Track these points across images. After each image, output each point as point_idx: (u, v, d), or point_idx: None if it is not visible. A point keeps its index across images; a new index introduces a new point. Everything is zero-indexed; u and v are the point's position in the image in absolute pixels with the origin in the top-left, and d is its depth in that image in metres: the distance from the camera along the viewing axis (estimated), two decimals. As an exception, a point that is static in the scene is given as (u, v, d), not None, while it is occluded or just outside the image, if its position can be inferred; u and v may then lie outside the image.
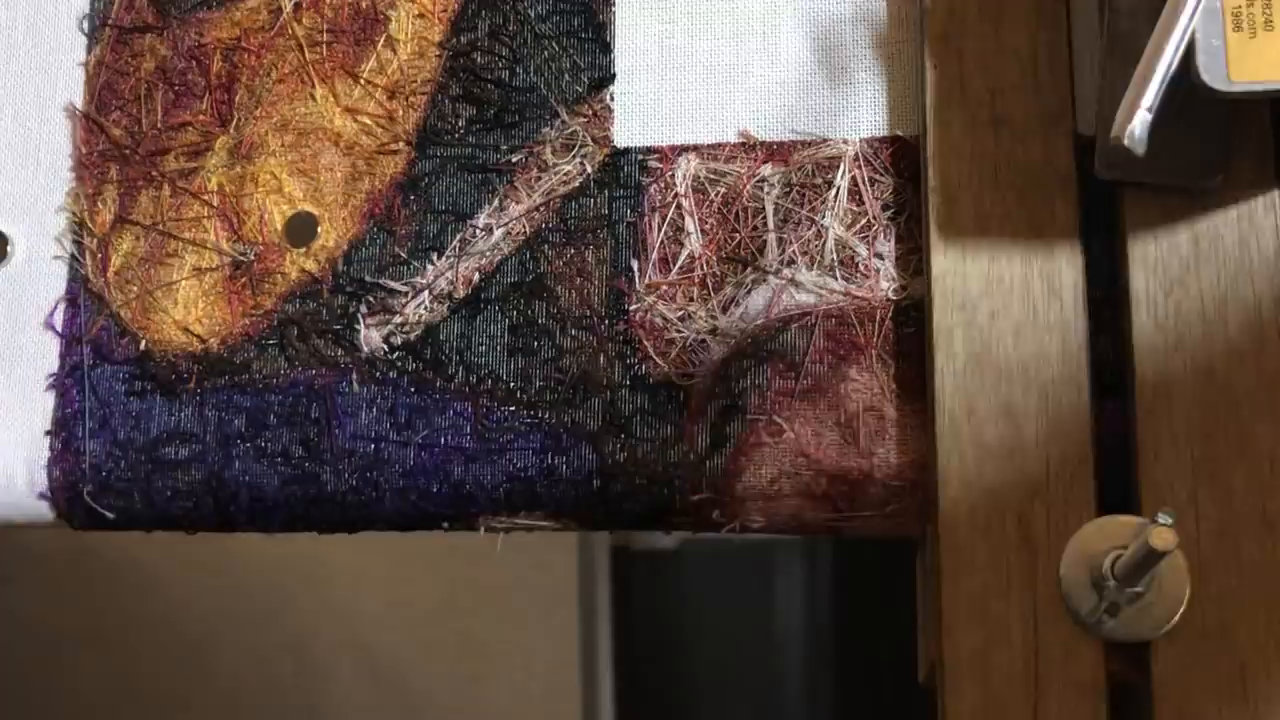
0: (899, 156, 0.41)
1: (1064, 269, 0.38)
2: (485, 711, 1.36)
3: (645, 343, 0.41)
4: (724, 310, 0.40)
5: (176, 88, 0.45)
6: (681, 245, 0.41)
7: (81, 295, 0.44)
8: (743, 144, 0.42)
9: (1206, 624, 0.36)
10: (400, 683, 1.36)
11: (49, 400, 0.44)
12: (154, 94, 0.45)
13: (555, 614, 1.36)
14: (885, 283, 0.40)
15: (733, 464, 0.39)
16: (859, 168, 0.41)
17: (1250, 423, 0.37)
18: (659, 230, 0.41)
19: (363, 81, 0.44)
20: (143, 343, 0.43)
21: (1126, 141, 0.30)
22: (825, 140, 0.41)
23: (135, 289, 0.44)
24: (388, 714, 1.37)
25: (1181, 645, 0.35)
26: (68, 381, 0.44)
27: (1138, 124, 0.30)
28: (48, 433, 0.43)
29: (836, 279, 0.40)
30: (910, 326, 0.40)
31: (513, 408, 0.41)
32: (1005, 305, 0.38)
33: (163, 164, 0.44)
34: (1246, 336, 0.37)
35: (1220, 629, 0.36)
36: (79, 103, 0.45)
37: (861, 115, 0.41)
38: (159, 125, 0.45)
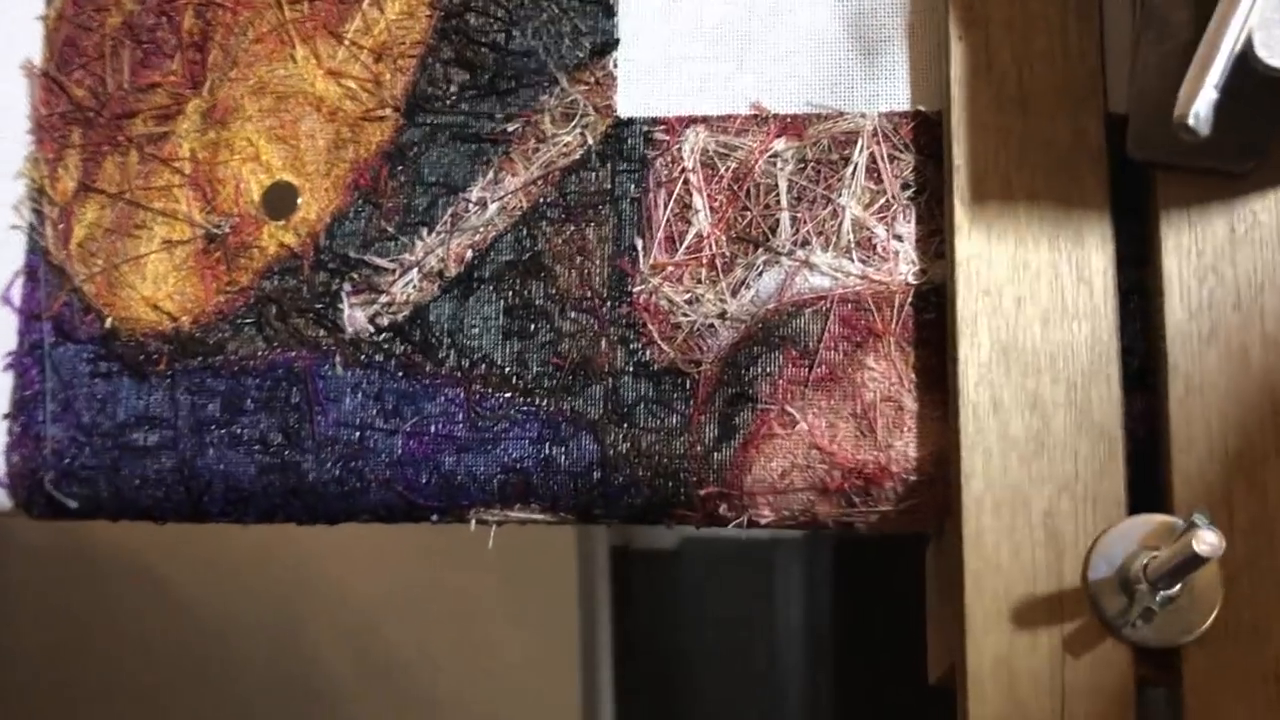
0: (920, 132, 0.39)
1: (1093, 254, 0.36)
2: (485, 711, 1.33)
3: (650, 327, 0.38)
4: (734, 293, 0.38)
5: (145, 45, 0.42)
6: (689, 223, 0.39)
7: (41, 268, 0.41)
8: (755, 116, 0.39)
9: (1240, 626, 0.34)
10: (400, 682, 1.34)
11: (6, 381, 0.41)
12: (120, 52, 0.42)
13: (555, 614, 1.34)
14: (904, 266, 0.38)
15: (741, 456, 0.37)
16: (878, 144, 0.38)
17: (1287, 417, 0.35)
18: (665, 207, 0.39)
19: (347, 42, 0.41)
20: (108, 320, 0.41)
21: (1191, 122, 0.28)
22: (842, 114, 0.39)
23: (100, 262, 0.41)
24: (388, 714, 1.34)
25: (1213, 649, 0.34)
26: (27, 361, 0.41)
27: (1203, 104, 0.28)
28: (5, 416, 0.41)
29: (853, 261, 0.38)
30: (930, 313, 0.38)
31: (508, 394, 0.39)
32: (1032, 291, 0.36)
33: (130, 128, 0.41)
34: (1284, 327, 0.35)
35: (1253, 631, 0.34)
36: (38, 60, 0.42)
37: (881, 88, 0.39)
38: (126, 86, 0.42)
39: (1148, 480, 0.36)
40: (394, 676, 1.34)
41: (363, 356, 0.39)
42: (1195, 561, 0.31)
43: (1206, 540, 0.30)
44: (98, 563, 1.30)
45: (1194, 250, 0.36)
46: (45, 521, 0.41)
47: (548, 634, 1.35)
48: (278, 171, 0.41)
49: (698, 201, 0.39)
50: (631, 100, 0.40)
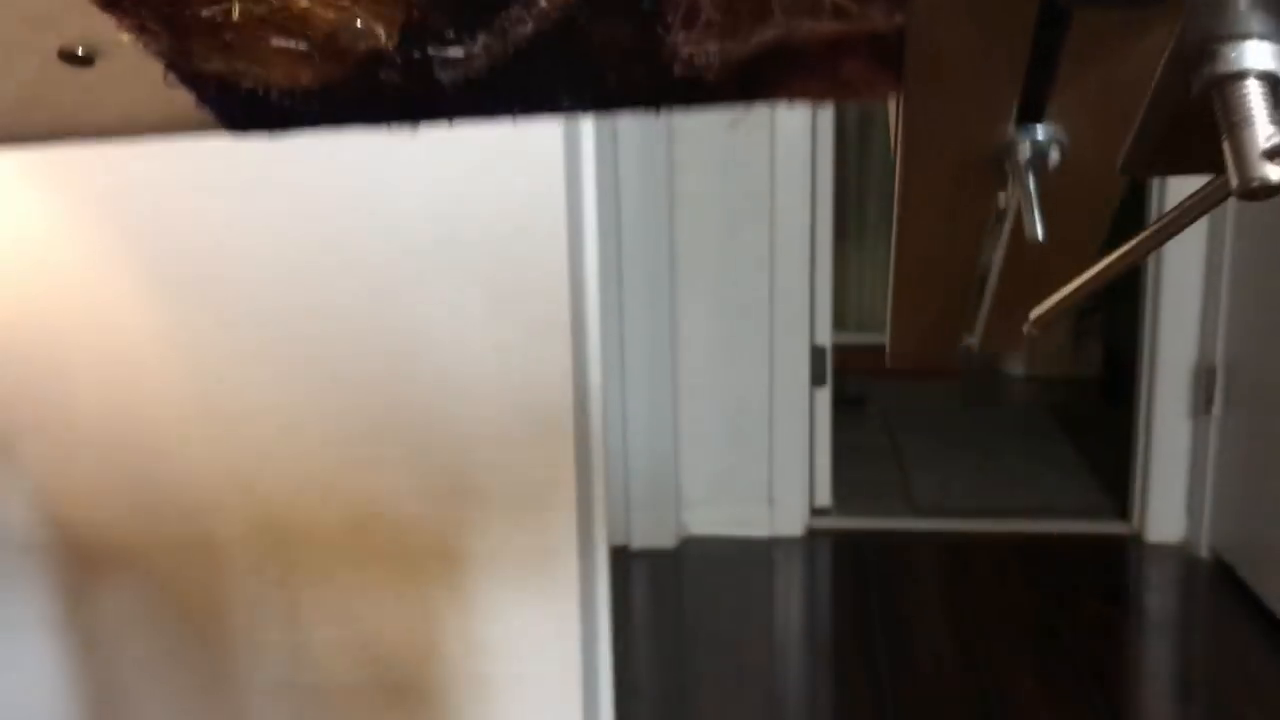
0: None
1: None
2: (486, 710, 1.35)
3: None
4: None
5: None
6: None
7: None
8: None
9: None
10: (401, 682, 1.34)
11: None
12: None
13: (555, 614, 1.30)
14: None
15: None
16: None
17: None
18: None
19: None
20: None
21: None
22: None
23: None
24: (389, 713, 1.36)
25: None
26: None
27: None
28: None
29: None
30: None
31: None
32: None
33: None
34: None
35: None
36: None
37: None
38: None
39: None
40: (394, 675, 1.36)
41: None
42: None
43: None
44: (91, 561, 1.33)
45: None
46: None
47: (548, 634, 1.33)
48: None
49: None
50: None
